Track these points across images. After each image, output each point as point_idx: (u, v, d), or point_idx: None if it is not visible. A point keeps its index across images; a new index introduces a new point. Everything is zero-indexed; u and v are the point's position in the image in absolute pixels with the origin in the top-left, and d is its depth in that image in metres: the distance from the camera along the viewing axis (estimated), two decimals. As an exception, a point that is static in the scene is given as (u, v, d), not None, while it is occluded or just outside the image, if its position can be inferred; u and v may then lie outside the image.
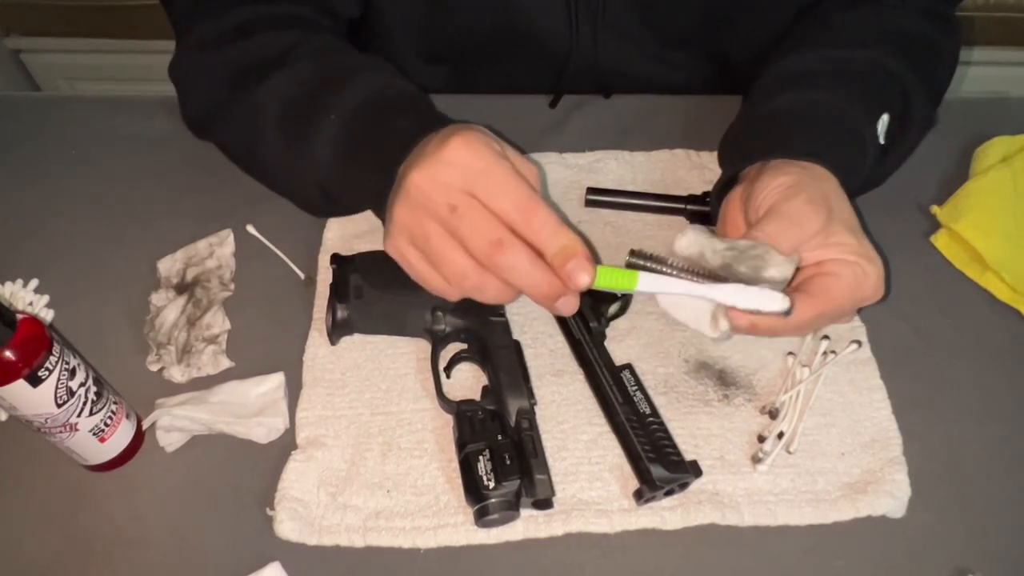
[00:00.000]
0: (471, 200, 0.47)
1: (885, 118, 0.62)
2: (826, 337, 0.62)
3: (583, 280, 0.46)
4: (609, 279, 0.48)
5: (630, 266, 0.50)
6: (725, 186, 0.62)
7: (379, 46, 0.79)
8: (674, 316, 0.53)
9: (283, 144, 0.62)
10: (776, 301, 0.48)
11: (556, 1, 0.74)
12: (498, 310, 0.62)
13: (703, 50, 0.81)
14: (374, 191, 0.55)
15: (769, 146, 0.59)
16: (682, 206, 0.70)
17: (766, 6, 0.75)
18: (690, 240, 0.52)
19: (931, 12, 0.69)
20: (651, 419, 0.56)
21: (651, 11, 0.76)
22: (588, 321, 0.61)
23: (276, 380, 0.60)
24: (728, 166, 0.62)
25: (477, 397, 0.59)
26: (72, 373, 0.52)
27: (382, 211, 0.53)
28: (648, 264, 0.50)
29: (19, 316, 0.49)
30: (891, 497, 0.55)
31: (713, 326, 0.51)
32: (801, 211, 0.52)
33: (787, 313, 0.49)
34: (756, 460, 0.57)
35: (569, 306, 0.48)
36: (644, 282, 0.48)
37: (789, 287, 0.52)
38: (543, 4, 0.75)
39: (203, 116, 0.70)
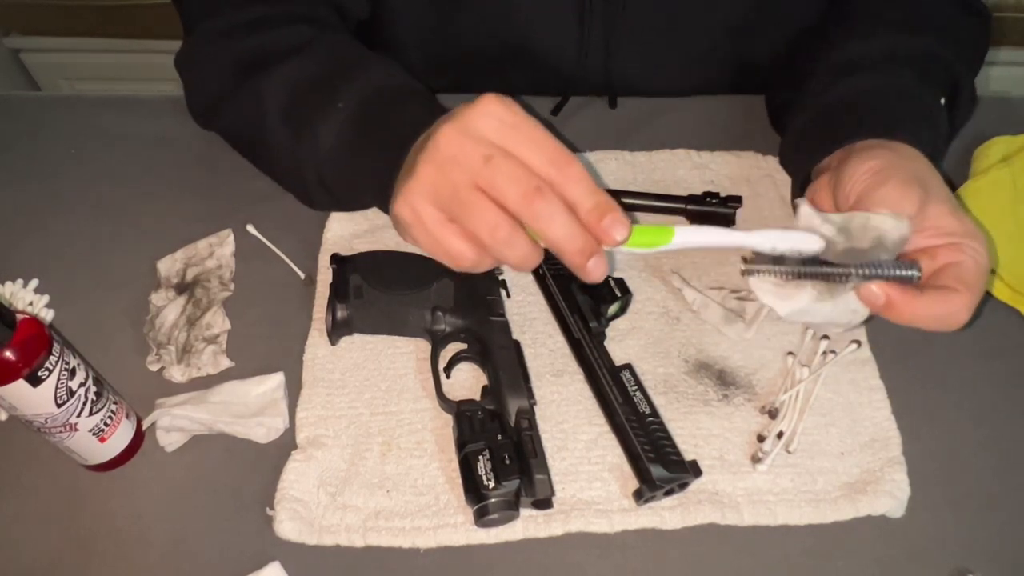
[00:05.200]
0: (505, 152, 0.45)
1: (942, 101, 0.62)
2: (826, 337, 0.62)
3: (619, 235, 0.44)
4: (643, 236, 0.47)
5: (747, 272, 0.49)
6: (803, 182, 0.61)
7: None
8: (808, 320, 0.52)
9: (286, 132, 0.62)
10: (813, 241, 0.48)
11: (568, 21, 0.74)
12: (498, 310, 0.62)
13: (725, 61, 0.81)
14: (381, 175, 0.54)
15: (851, 129, 0.57)
16: (682, 206, 0.70)
17: (792, 10, 0.75)
18: (805, 218, 0.50)
19: (960, 3, 0.70)
20: (651, 419, 0.56)
21: (674, 31, 0.76)
22: (588, 321, 0.61)
23: (276, 380, 0.60)
24: (806, 158, 0.61)
25: (477, 397, 0.59)
26: (72, 373, 0.52)
27: (386, 197, 0.52)
28: (765, 267, 0.48)
29: (19, 316, 0.49)
30: (891, 497, 0.55)
31: (849, 313, 0.49)
32: (894, 196, 0.50)
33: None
34: (756, 460, 0.57)
35: (600, 268, 0.46)
36: (680, 236, 0.47)
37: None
38: (555, 24, 0.75)
39: (210, 104, 0.70)
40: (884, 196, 0.50)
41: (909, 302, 0.48)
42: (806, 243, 0.48)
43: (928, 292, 0.48)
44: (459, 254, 0.47)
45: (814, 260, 0.48)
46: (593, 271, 0.46)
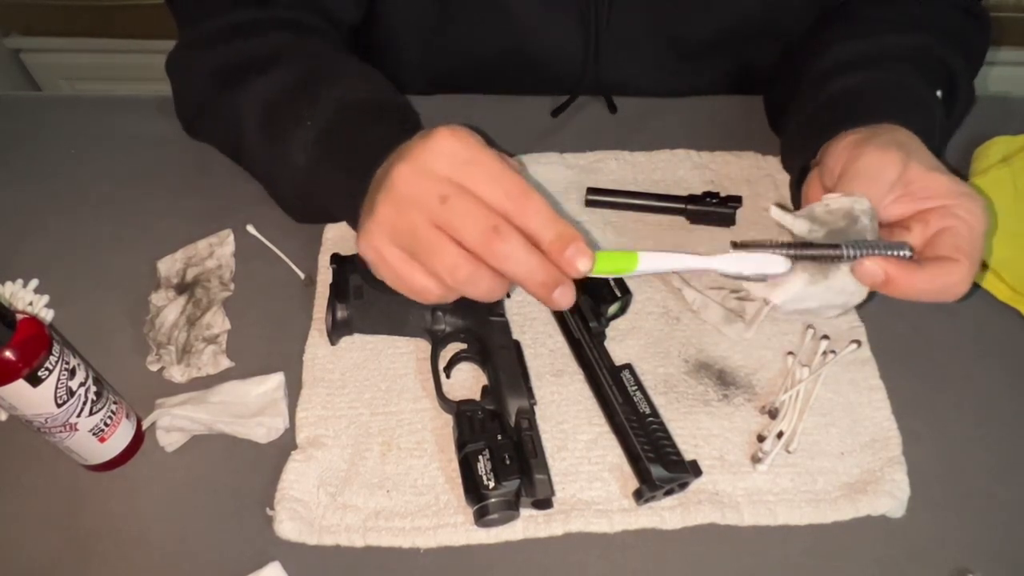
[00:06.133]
0: (461, 190, 0.45)
1: (938, 94, 0.62)
2: (826, 337, 0.62)
3: (583, 265, 0.44)
4: (608, 263, 0.46)
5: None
6: (799, 180, 0.61)
7: (383, 64, 0.79)
8: (805, 308, 0.51)
9: (263, 148, 0.63)
10: (777, 264, 0.48)
11: (569, 23, 0.74)
12: (498, 310, 0.62)
13: (725, 62, 0.81)
14: (348, 198, 0.53)
15: (840, 122, 0.58)
16: (682, 206, 0.70)
17: (791, 13, 0.75)
18: (777, 216, 0.50)
19: (959, 5, 0.71)
20: (651, 419, 0.56)
21: (676, 35, 0.76)
22: (588, 321, 0.61)
23: (276, 380, 0.60)
24: (799, 156, 0.61)
25: (477, 397, 0.59)
26: (72, 373, 0.52)
27: (355, 218, 0.52)
28: (757, 250, 0.48)
29: (19, 316, 0.49)
30: (891, 497, 0.55)
31: (845, 295, 0.49)
32: (873, 162, 0.50)
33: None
34: (756, 460, 0.57)
35: (566, 297, 0.45)
36: (644, 262, 0.47)
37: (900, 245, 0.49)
38: (555, 25, 0.75)
39: (192, 115, 0.71)
40: (864, 164, 0.50)
41: (908, 276, 0.48)
42: (770, 266, 0.48)
43: (927, 265, 0.48)
44: (423, 290, 0.47)
45: (802, 244, 0.48)
46: (559, 300, 0.45)
